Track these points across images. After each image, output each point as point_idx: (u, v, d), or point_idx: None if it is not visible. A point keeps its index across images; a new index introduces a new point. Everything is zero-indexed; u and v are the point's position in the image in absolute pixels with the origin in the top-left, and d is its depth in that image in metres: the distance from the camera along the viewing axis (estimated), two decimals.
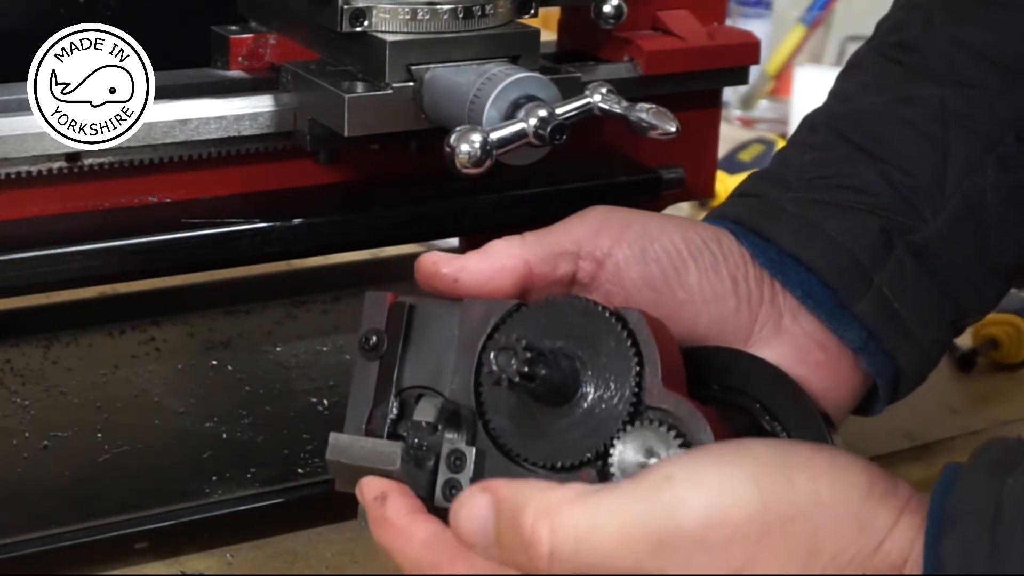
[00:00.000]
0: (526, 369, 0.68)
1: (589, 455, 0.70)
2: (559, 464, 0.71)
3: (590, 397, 0.71)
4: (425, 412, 0.73)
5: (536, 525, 0.63)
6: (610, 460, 0.70)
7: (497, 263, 0.76)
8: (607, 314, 0.72)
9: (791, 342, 0.81)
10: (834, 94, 0.91)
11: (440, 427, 0.72)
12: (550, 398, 0.71)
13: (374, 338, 0.76)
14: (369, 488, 0.72)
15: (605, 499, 0.63)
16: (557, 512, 0.63)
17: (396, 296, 0.77)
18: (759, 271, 0.81)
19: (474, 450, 0.72)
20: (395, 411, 0.75)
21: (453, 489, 0.72)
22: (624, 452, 0.69)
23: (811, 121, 0.90)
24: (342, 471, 0.74)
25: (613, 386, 0.71)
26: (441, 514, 0.71)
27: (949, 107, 0.85)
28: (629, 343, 0.71)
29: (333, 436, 0.73)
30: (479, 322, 0.74)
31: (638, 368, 0.70)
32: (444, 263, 0.76)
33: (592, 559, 0.63)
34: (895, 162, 0.84)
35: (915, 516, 0.64)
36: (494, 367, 0.68)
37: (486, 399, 0.73)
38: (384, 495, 0.71)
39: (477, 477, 0.71)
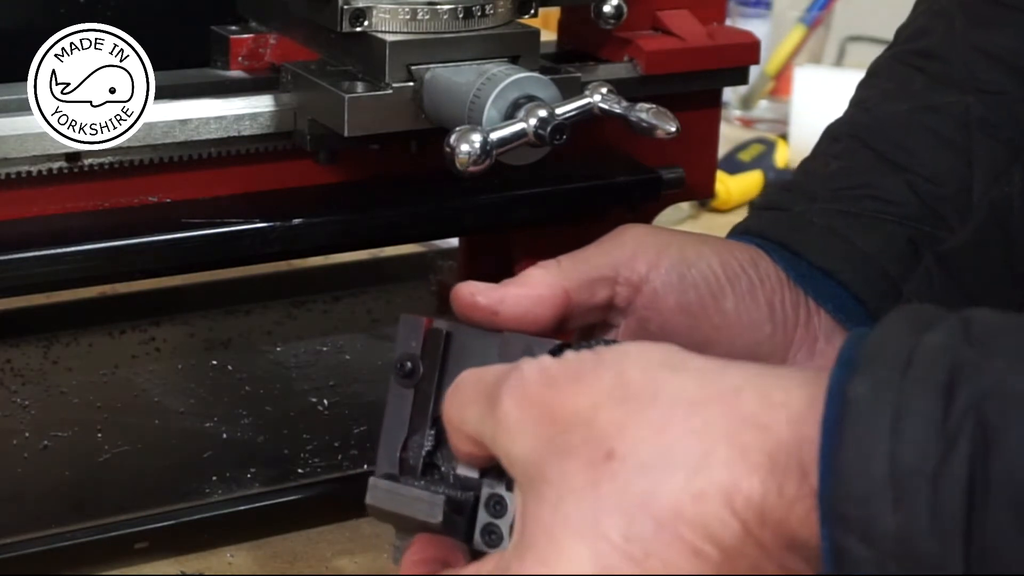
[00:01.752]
0: None
1: None
2: None
3: None
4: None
5: None
6: None
7: (535, 293, 0.75)
8: None
9: (824, 365, 0.80)
10: (856, 103, 0.90)
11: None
12: None
13: (409, 364, 0.74)
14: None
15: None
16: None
17: (432, 320, 0.76)
18: (795, 294, 0.80)
19: (515, 496, 0.70)
20: (431, 441, 0.74)
21: (492, 535, 0.70)
22: None
23: (834, 130, 0.89)
24: (380, 514, 0.73)
25: None
26: (479, 556, 0.71)
27: (973, 115, 0.84)
28: None
29: (373, 481, 0.72)
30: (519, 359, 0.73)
31: None
32: (482, 294, 0.74)
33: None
34: (920, 171, 0.83)
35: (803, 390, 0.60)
36: None
37: None
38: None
39: None
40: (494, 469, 0.70)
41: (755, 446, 0.58)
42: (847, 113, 0.90)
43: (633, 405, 0.60)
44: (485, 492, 0.70)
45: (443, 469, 0.73)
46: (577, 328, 0.78)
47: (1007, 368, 0.55)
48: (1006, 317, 0.59)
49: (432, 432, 0.74)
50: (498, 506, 0.70)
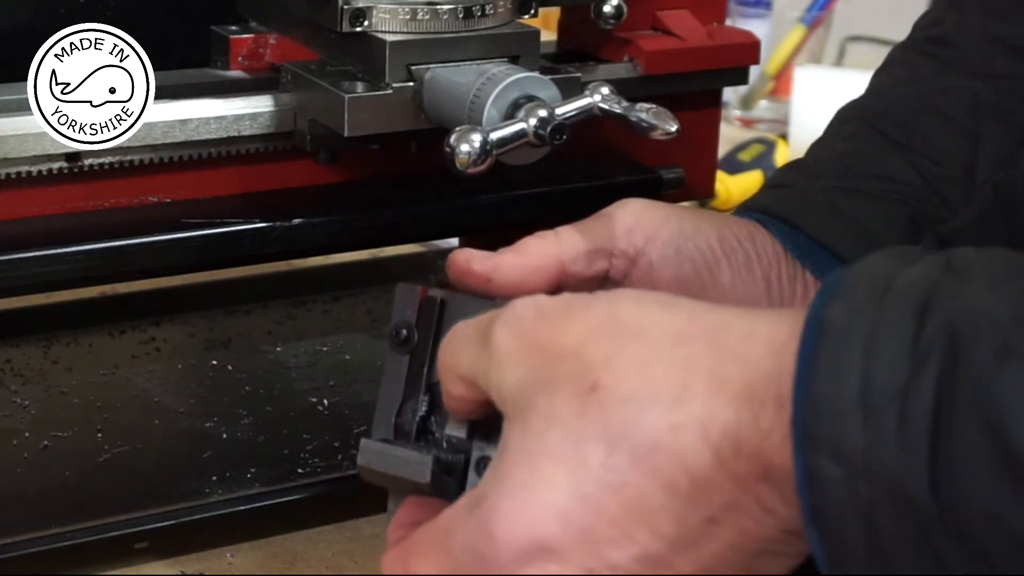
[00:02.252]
0: None
1: None
2: None
3: None
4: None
5: None
6: None
7: (532, 263, 0.75)
8: None
9: None
10: (869, 90, 0.91)
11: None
12: None
13: (404, 331, 0.75)
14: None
15: None
16: None
17: (427, 289, 0.76)
18: (792, 268, 0.81)
19: None
20: (425, 407, 0.74)
21: None
22: None
23: (844, 114, 0.90)
24: (372, 476, 0.73)
25: None
26: None
27: (982, 99, 0.85)
28: None
29: (364, 442, 0.73)
30: None
31: None
32: (477, 261, 0.75)
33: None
34: (926, 152, 0.84)
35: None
36: None
37: None
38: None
39: None
40: (483, 431, 0.70)
41: (734, 377, 0.59)
42: (859, 98, 0.91)
43: (622, 338, 0.61)
44: (475, 455, 0.71)
45: (436, 435, 0.73)
46: None
47: (979, 289, 0.56)
48: (987, 249, 0.59)
49: (426, 398, 0.74)
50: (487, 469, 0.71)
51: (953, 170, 0.83)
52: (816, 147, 0.90)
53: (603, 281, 0.78)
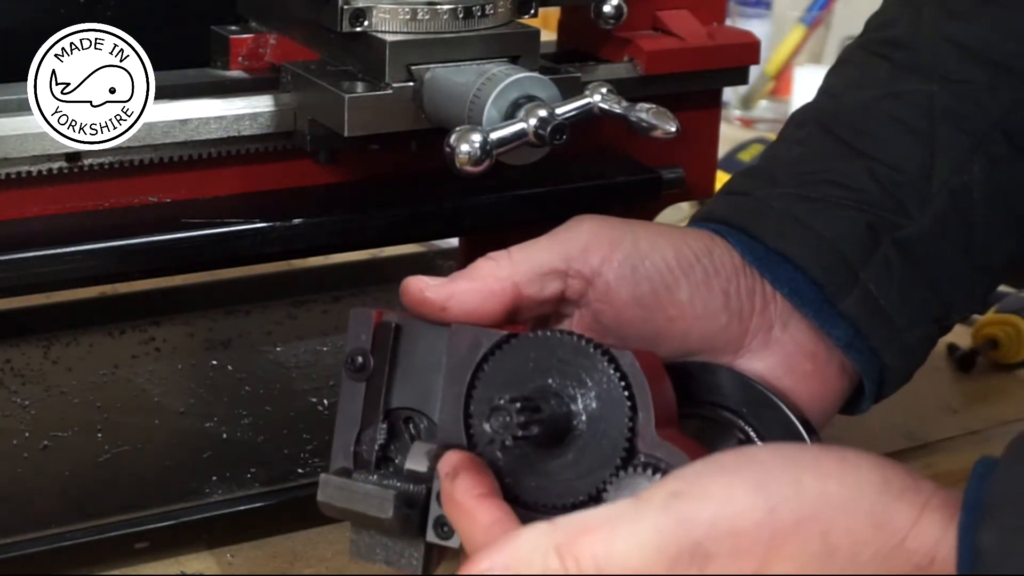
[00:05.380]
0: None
1: (582, 498, 0.70)
2: (551, 505, 0.70)
3: (582, 439, 0.70)
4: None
5: (562, 560, 0.64)
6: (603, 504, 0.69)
7: (486, 288, 0.75)
8: (599, 353, 0.70)
9: (780, 352, 0.80)
10: (822, 90, 0.91)
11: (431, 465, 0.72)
12: (542, 442, 0.70)
13: (360, 359, 0.75)
14: (444, 463, 0.71)
15: (618, 524, 0.64)
16: (575, 543, 0.64)
17: (382, 313, 0.76)
18: (750, 280, 0.81)
19: None
20: (384, 435, 0.74)
21: (444, 527, 0.71)
22: (617, 499, 0.68)
23: (799, 117, 0.89)
24: (333, 511, 0.73)
25: (605, 429, 0.70)
26: (433, 550, 0.72)
27: (937, 103, 0.84)
28: (622, 386, 0.70)
29: (324, 477, 0.72)
30: (468, 351, 0.73)
31: (631, 414, 0.70)
32: (431, 289, 0.74)
33: None
34: (882, 158, 0.84)
35: (941, 512, 0.62)
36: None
37: (475, 433, 0.72)
38: (455, 472, 0.70)
39: None
40: None
41: None
42: (813, 100, 0.90)
43: None
44: (437, 485, 0.70)
45: (397, 462, 0.73)
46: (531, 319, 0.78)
47: None
48: None
49: (384, 426, 0.74)
50: None
51: (909, 176, 0.83)
52: (771, 150, 0.89)
53: (559, 302, 0.78)
